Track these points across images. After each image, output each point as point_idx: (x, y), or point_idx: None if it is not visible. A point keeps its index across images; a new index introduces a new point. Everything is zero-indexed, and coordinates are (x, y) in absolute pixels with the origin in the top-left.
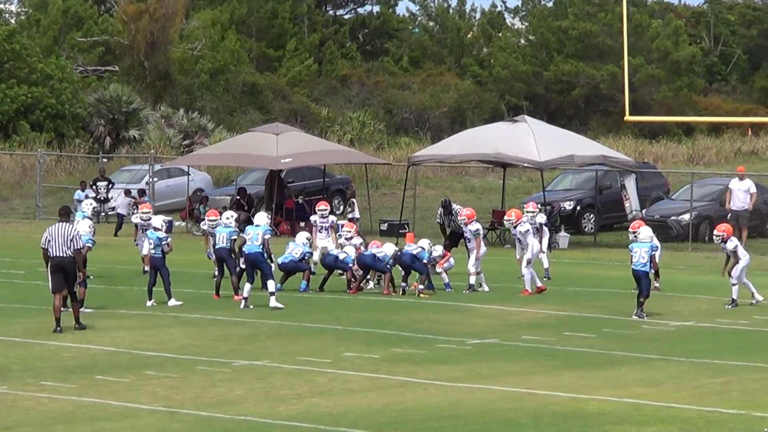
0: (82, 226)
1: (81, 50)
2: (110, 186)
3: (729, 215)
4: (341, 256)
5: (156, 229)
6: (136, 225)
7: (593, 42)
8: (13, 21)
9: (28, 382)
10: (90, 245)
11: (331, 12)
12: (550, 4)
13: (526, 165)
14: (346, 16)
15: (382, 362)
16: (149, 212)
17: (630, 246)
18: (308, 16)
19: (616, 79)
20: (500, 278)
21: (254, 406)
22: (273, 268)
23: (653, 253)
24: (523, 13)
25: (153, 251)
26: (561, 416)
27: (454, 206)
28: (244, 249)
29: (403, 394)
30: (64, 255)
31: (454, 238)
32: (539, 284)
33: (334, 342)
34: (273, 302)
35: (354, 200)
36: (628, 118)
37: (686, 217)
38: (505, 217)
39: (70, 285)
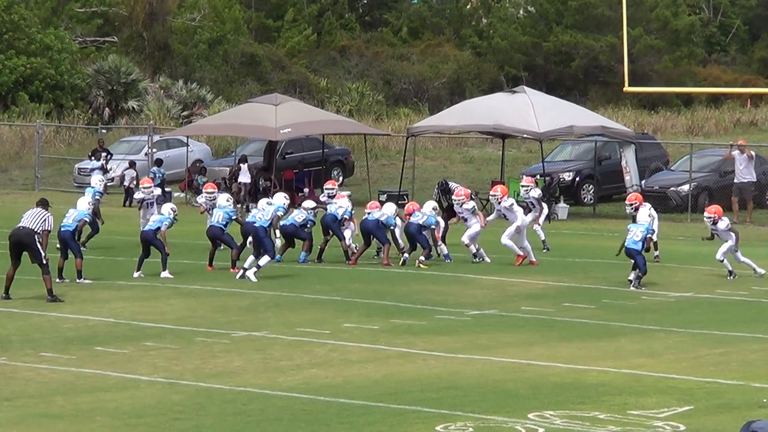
0: (82, 203)
1: (80, 21)
2: (109, 157)
3: (733, 188)
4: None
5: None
6: (140, 200)
7: (592, 13)
8: None
9: (28, 353)
10: (87, 219)
11: None
12: None
13: (525, 136)
14: None
15: (381, 333)
16: (151, 186)
17: (628, 225)
18: None
19: (616, 50)
20: (499, 249)
21: (253, 377)
22: (275, 245)
23: (648, 235)
24: None
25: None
26: (560, 387)
27: (451, 184)
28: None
29: (402, 365)
30: (21, 228)
31: (452, 211)
32: (531, 258)
33: (334, 313)
34: (251, 275)
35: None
36: (627, 88)
37: (685, 187)
38: (491, 192)
39: (34, 258)
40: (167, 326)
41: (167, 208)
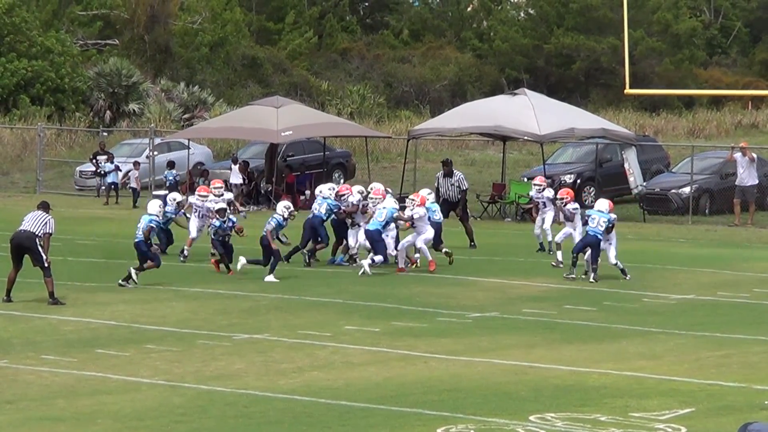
0: (152, 207)
1: (81, 24)
2: (110, 160)
3: (735, 190)
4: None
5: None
6: (192, 205)
7: (593, 15)
8: None
9: (29, 356)
10: (153, 225)
11: None
12: None
13: (526, 138)
14: None
15: (382, 335)
16: (208, 195)
17: (587, 212)
18: None
19: (617, 52)
20: (500, 252)
21: (255, 379)
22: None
23: (610, 224)
24: None
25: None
26: (561, 389)
27: (458, 174)
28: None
29: (403, 367)
30: (22, 231)
31: (445, 208)
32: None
33: (335, 315)
34: (241, 263)
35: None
36: (628, 91)
37: (686, 190)
38: (558, 196)
39: (36, 261)
40: (168, 329)
41: (281, 206)
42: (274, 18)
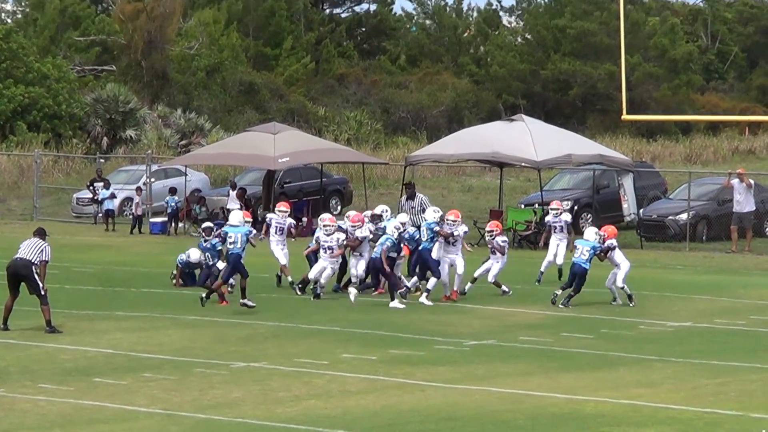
0: (236, 217)
1: (78, 50)
2: (106, 187)
3: (732, 217)
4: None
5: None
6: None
7: (590, 40)
8: (9, 20)
9: (26, 384)
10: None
11: (327, 11)
12: (547, 1)
13: (523, 164)
14: (343, 15)
15: (379, 364)
16: (287, 211)
17: (576, 241)
18: (305, 14)
19: (614, 78)
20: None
21: (252, 408)
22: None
23: (596, 253)
24: (519, 12)
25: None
26: (558, 418)
27: (420, 196)
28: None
29: (400, 395)
30: (18, 259)
31: None
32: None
33: (332, 343)
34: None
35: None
36: (625, 117)
37: (684, 216)
38: (487, 228)
39: (33, 290)
40: (166, 357)
41: (391, 226)
42: (271, 44)
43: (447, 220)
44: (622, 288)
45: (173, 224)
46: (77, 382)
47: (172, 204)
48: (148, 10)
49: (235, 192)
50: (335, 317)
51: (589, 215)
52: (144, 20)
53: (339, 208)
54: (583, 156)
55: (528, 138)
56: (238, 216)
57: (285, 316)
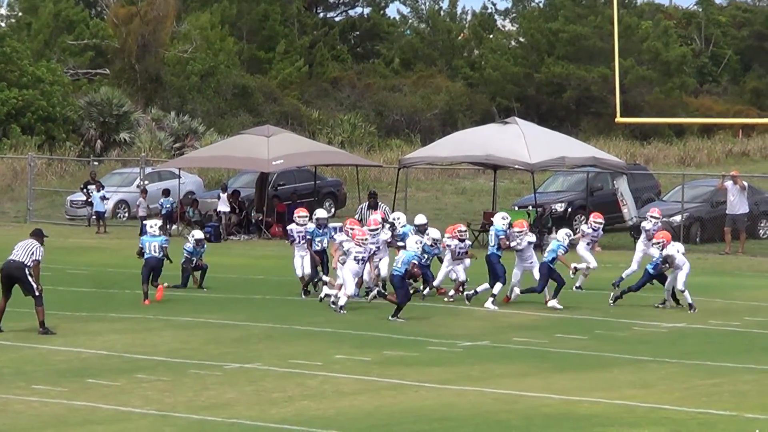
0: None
1: (72, 53)
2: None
3: (726, 219)
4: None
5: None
6: (290, 235)
7: (584, 44)
8: (3, 24)
9: (19, 385)
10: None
11: (321, 14)
12: (542, 4)
13: (517, 167)
14: (337, 18)
15: (373, 365)
16: (306, 216)
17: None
18: (298, 18)
19: (607, 81)
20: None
21: (246, 409)
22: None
23: (558, 252)
24: (513, 15)
25: None
26: (552, 418)
27: (383, 206)
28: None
29: (394, 396)
30: (11, 261)
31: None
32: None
33: (326, 344)
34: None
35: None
36: (619, 119)
37: (677, 218)
38: (655, 240)
39: (27, 291)
40: (159, 358)
41: (412, 242)
42: (265, 47)
43: (513, 231)
44: (684, 292)
45: (167, 226)
46: (71, 383)
47: (167, 206)
48: (141, 14)
49: (226, 194)
50: (329, 318)
51: (583, 217)
52: (137, 24)
53: (333, 210)
54: (576, 158)
55: (521, 140)
56: (154, 227)
57: (278, 318)
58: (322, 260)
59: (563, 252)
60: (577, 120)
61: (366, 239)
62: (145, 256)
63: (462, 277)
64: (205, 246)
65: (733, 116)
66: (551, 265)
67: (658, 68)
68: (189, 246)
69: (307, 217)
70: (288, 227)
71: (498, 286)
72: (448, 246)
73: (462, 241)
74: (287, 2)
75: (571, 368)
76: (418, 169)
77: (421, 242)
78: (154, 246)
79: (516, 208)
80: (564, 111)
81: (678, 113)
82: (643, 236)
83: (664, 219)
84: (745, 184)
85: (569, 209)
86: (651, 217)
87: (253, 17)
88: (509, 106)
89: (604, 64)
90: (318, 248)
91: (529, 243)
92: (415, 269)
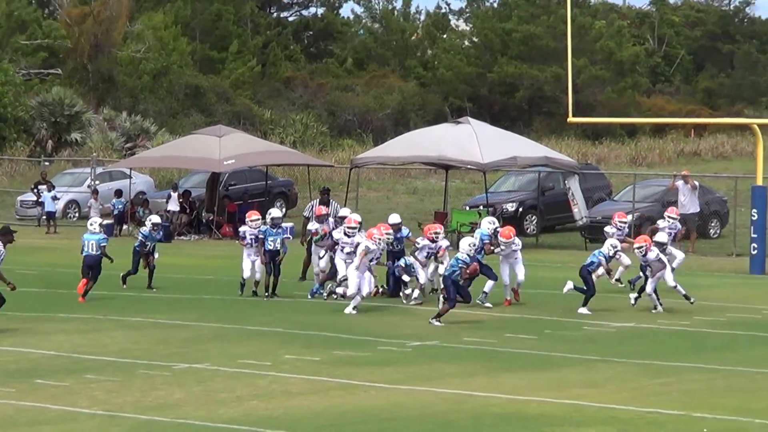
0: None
1: (24, 53)
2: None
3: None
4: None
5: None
6: (244, 237)
7: (537, 44)
8: None
9: None
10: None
11: (275, 14)
12: (495, 4)
13: (468, 167)
14: (291, 18)
15: (322, 365)
16: (259, 218)
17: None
18: (252, 18)
19: (560, 81)
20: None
21: (194, 409)
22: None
23: (484, 242)
24: (468, 15)
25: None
26: (501, 418)
27: (334, 203)
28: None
29: (343, 396)
30: None
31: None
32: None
33: (275, 345)
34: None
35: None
36: (571, 119)
37: (628, 218)
38: (504, 241)
39: None
40: (108, 359)
41: (465, 244)
42: (218, 47)
43: (501, 241)
44: (675, 288)
45: (119, 226)
46: (19, 383)
47: (119, 206)
48: (94, 14)
49: (176, 194)
50: (279, 318)
51: (534, 217)
52: (90, 24)
53: (284, 210)
54: (528, 158)
55: (474, 140)
56: (94, 224)
57: (228, 318)
58: (274, 260)
59: (605, 262)
60: (530, 120)
61: (356, 229)
62: (83, 253)
63: (422, 279)
64: (161, 233)
65: (685, 116)
66: (590, 270)
67: (611, 68)
68: (145, 230)
69: (259, 219)
70: (240, 229)
71: (490, 284)
72: (419, 245)
73: (434, 242)
74: (241, 2)
75: (520, 368)
76: (370, 169)
77: (473, 245)
78: (92, 244)
79: (467, 208)
80: (516, 111)
81: (630, 113)
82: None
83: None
84: (696, 183)
85: (520, 209)
86: (668, 217)
87: (206, 17)
88: (462, 106)
89: (557, 64)
90: (271, 248)
91: (515, 249)
92: (467, 270)
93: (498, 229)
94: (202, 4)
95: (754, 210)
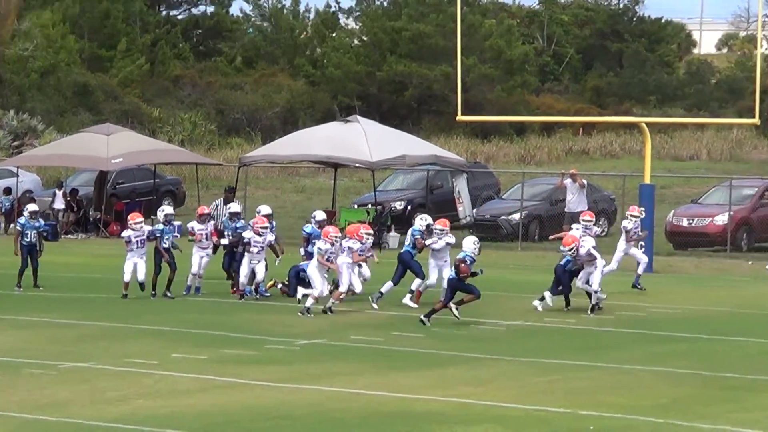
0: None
1: None
2: None
3: (564, 216)
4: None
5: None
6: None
7: (426, 42)
8: None
9: None
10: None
11: (164, 12)
12: (385, 3)
13: (357, 165)
14: (180, 17)
15: (210, 363)
16: (142, 221)
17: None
18: (141, 16)
19: (449, 79)
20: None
21: (80, 408)
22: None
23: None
24: (357, 14)
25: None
26: (388, 416)
27: (237, 201)
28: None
29: (230, 395)
30: None
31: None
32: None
33: (163, 343)
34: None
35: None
36: (460, 117)
37: (516, 216)
38: (438, 227)
39: None
40: None
41: (469, 242)
42: (106, 45)
43: (435, 228)
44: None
45: (6, 224)
46: None
47: (7, 204)
48: None
49: (62, 192)
50: (167, 317)
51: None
52: None
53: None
54: (417, 156)
55: (362, 139)
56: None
57: (116, 317)
58: (170, 258)
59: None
60: (419, 118)
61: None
62: None
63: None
64: (41, 222)
65: (574, 115)
66: (565, 268)
67: (500, 66)
68: (22, 219)
69: (142, 222)
70: (124, 233)
71: (417, 281)
72: (350, 248)
73: (362, 243)
74: (130, 0)
75: (407, 366)
76: (258, 168)
77: (477, 243)
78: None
79: (356, 207)
80: (405, 109)
81: (519, 111)
82: (623, 236)
83: (503, 217)
84: (585, 182)
85: (409, 207)
86: (631, 216)
87: (94, 15)
88: (351, 105)
89: (447, 63)
90: (166, 246)
91: (447, 244)
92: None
93: (431, 225)
94: (91, 2)
95: (642, 208)
